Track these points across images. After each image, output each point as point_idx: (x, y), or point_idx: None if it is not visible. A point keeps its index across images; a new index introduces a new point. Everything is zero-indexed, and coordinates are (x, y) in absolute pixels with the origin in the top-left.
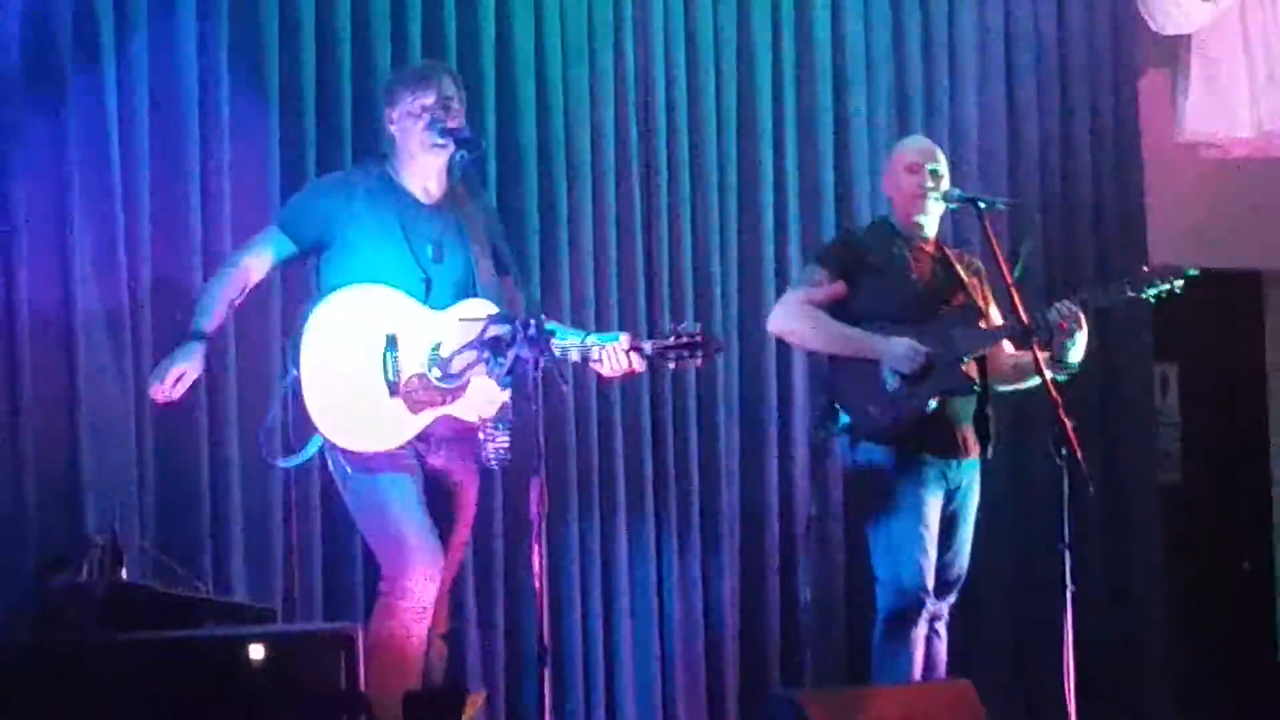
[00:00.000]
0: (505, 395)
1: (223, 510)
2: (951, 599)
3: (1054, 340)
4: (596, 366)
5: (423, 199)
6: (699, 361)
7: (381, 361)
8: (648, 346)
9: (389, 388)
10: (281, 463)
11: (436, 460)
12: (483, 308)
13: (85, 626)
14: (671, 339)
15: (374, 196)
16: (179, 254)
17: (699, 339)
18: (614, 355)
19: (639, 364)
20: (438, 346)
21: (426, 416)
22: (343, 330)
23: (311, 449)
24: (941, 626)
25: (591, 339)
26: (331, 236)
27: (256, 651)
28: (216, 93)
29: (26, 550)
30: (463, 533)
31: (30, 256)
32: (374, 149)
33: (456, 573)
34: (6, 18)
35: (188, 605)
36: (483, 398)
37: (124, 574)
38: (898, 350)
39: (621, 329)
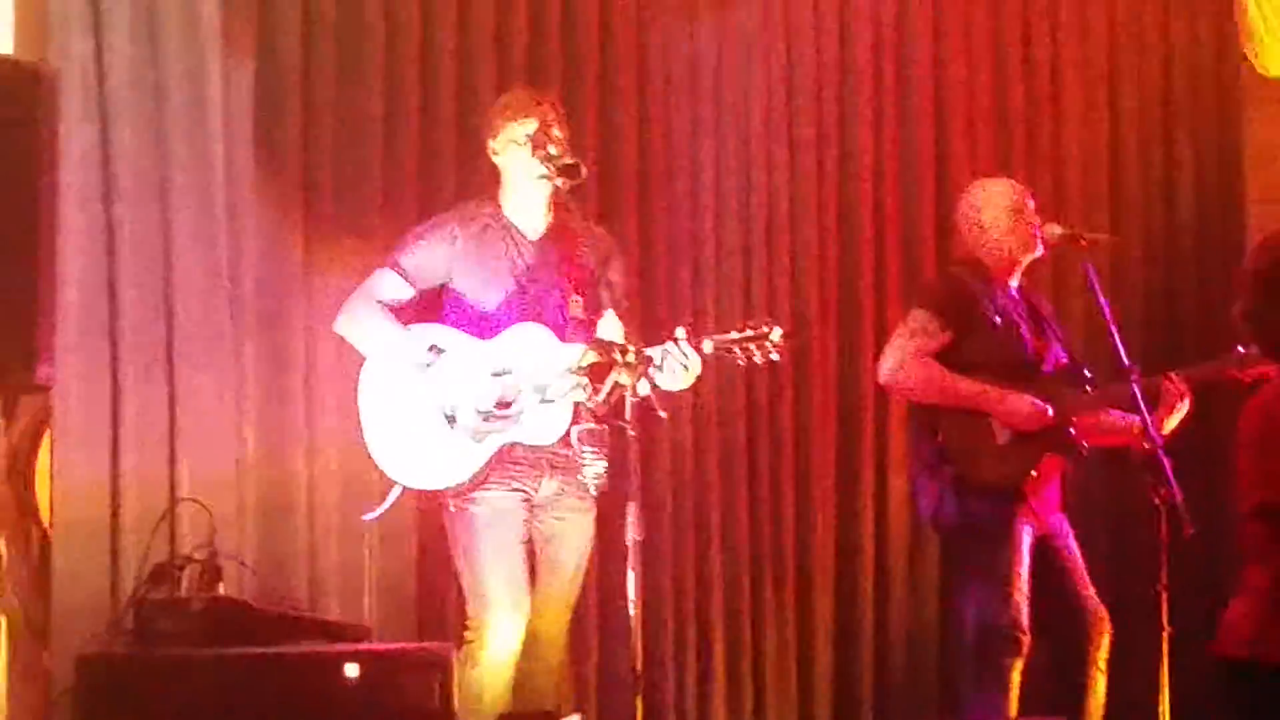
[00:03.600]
0: (568, 418)
1: (319, 527)
2: (1106, 632)
3: (1156, 410)
4: (660, 379)
5: (530, 233)
6: (767, 352)
7: (437, 390)
8: (705, 343)
9: (447, 421)
10: (367, 516)
11: (547, 491)
12: (535, 334)
13: (183, 641)
14: (734, 334)
15: (483, 234)
16: (280, 279)
17: (764, 329)
18: (674, 352)
19: (696, 363)
20: (497, 374)
21: (491, 445)
22: (395, 373)
23: (394, 495)
24: (1102, 662)
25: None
26: (444, 278)
27: (351, 669)
28: (320, 127)
29: (126, 565)
30: (578, 565)
31: (134, 276)
32: (476, 181)
33: (574, 603)
34: (116, 39)
35: (284, 622)
36: (547, 421)
37: (222, 589)
38: (1021, 408)
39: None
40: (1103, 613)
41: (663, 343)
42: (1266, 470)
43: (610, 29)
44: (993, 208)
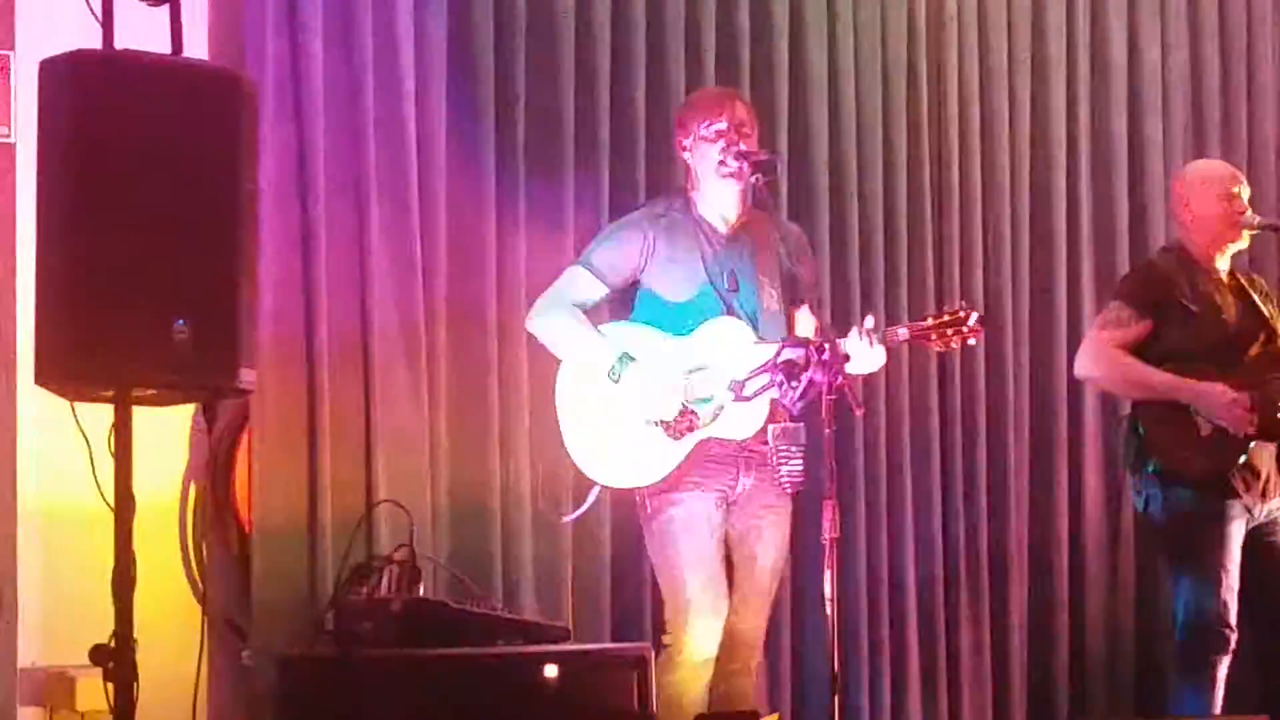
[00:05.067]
0: (764, 414)
1: (514, 527)
2: None
3: None
4: (848, 365)
5: (721, 227)
6: (965, 337)
7: (633, 394)
8: (902, 330)
9: (644, 418)
10: (566, 518)
11: (743, 489)
12: (732, 329)
13: (383, 642)
14: (930, 320)
15: (674, 229)
16: (473, 276)
17: (959, 313)
18: (858, 338)
19: (881, 352)
20: (693, 371)
21: (689, 442)
22: (589, 372)
23: (594, 496)
24: None
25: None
26: (637, 275)
27: (550, 670)
28: (513, 117)
29: (324, 565)
30: (775, 564)
31: (330, 276)
32: (667, 180)
33: (772, 603)
34: (310, 39)
35: (483, 622)
36: (744, 416)
37: (420, 590)
38: (1217, 402)
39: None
40: None
41: (852, 329)
42: None
43: (802, 21)
44: (1203, 190)
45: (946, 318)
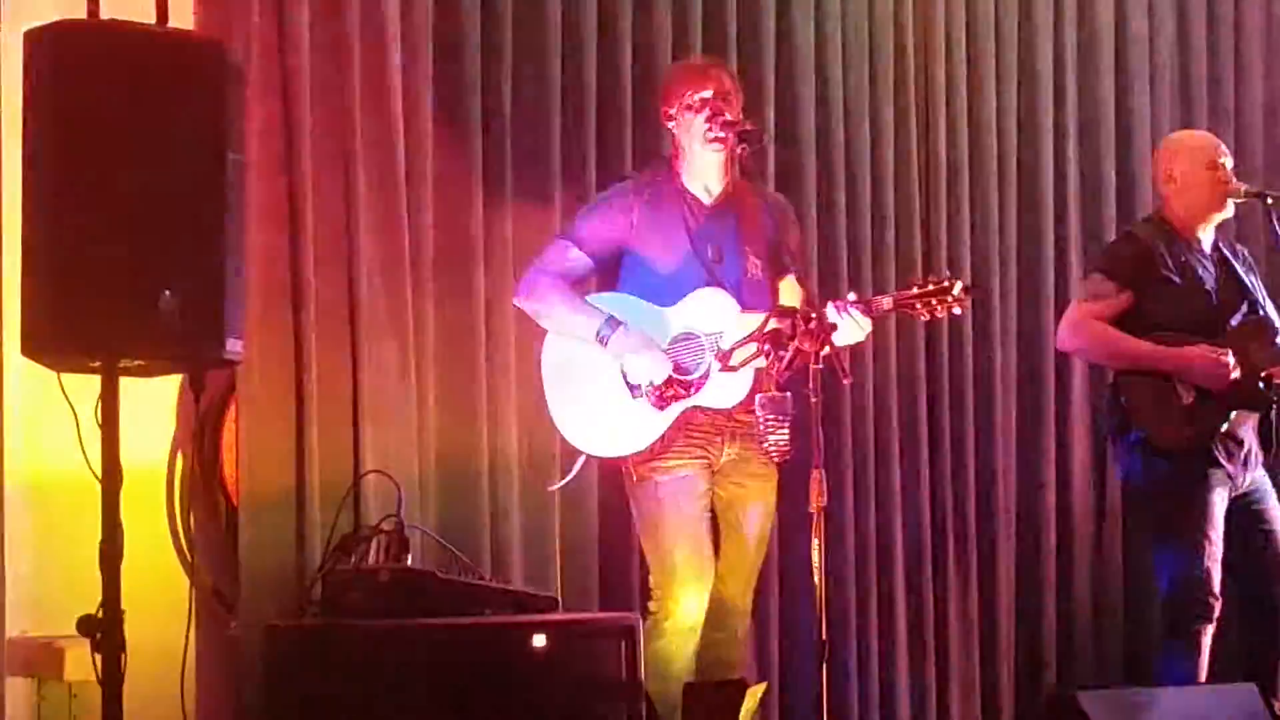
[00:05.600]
0: (750, 384)
1: (501, 497)
2: None
3: None
4: (834, 336)
5: (704, 197)
6: (949, 306)
7: (619, 359)
8: (886, 300)
9: (630, 389)
10: (552, 487)
11: (729, 458)
12: (717, 300)
13: (371, 612)
14: (915, 289)
15: (658, 200)
16: (460, 248)
17: (945, 283)
18: (843, 310)
19: (866, 323)
20: (678, 339)
21: (673, 411)
22: (575, 343)
23: (579, 465)
24: None
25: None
26: (622, 247)
27: (539, 639)
28: (499, 96)
29: (312, 536)
30: (760, 532)
31: (317, 248)
32: (653, 150)
33: (758, 571)
34: (296, 11)
35: (471, 592)
36: (730, 385)
37: (408, 560)
38: (1198, 362)
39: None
40: None
41: (833, 302)
42: None
43: None
44: (1187, 161)
45: (931, 287)
